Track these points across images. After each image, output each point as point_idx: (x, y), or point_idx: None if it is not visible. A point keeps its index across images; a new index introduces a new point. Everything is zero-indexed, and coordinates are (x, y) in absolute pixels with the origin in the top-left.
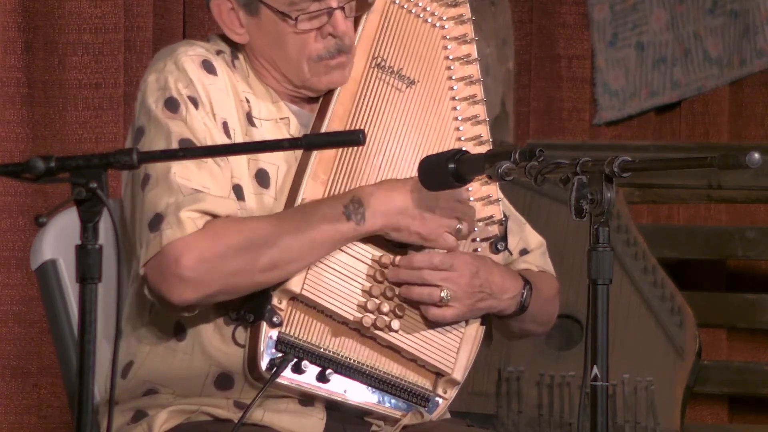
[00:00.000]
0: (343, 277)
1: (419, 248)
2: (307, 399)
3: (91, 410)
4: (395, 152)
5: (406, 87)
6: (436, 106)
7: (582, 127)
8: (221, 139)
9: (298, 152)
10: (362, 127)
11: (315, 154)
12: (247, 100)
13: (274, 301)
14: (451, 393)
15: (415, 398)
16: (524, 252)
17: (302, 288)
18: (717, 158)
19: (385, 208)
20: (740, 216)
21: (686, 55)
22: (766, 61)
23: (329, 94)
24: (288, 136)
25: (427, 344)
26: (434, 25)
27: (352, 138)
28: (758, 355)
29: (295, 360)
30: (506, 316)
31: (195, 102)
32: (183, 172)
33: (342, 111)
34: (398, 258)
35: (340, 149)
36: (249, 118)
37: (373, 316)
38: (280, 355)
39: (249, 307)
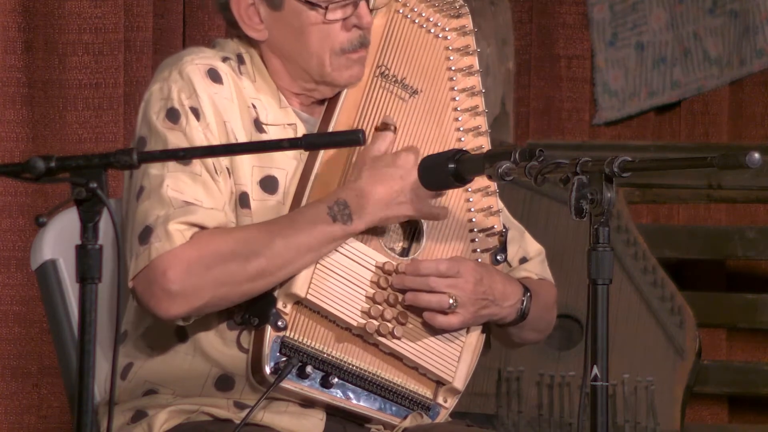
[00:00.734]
0: (347, 283)
1: (422, 255)
2: (308, 402)
3: (91, 410)
4: None
5: (410, 96)
6: (439, 116)
7: (582, 127)
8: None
9: (305, 158)
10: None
11: (319, 160)
12: (254, 106)
13: (279, 305)
14: (452, 402)
15: (416, 406)
16: (524, 260)
17: (307, 292)
18: (717, 158)
19: (371, 204)
20: (740, 216)
21: (686, 55)
22: (766, 61)
23: (333, 101)
24: None
25: (429, 352)
26: (437, 36)
27: (352, 138)
28: (758, 355)
29: (300, 364)
30: (506, 323)
31: (197, 113)
32: (176, 185)
33: (346, 119)
34: (402, 264)
35: (348, 157)
36: (257, 125)
37: (376, 323)
38: (284, 359)
39: (254, 311)
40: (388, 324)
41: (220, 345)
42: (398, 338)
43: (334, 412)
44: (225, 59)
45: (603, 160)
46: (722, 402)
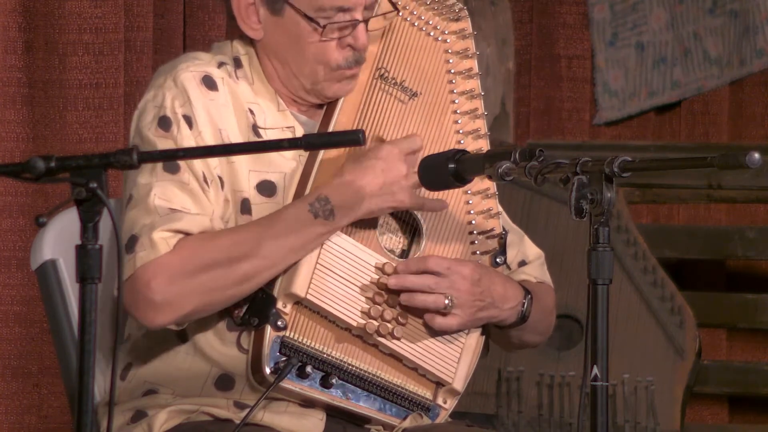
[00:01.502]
0: (347, 283)
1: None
2: (308, 402)
3: (91, 410)
4: None
5: (409, 99)
6: (438, 118)
7: (582, 127)
8: (212, 162)
9: (304, 159)
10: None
11: (318, 163)
12: (252, 111)
13: (279, 305)
14: (451, 403)
15: (416, 407)
16: (523, 263)
17: (307, 292)
18: (717, 158)
19: (352, 197)
20: (740, 216)
21: (686, 55)
22: (766, 61)
23: (333, 104)
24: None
25: (428, 353)
26: (437, 39)
27: (352, 138)
28: (758, 355)
29: (299, 364)
30: (506, 326)
31: (189, 121)
32: (164, 193)
33: (345, 121)
34: (400, 265)
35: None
36: (254, 130)
37: (376, 323)
38: (284, 359)
39: (253, 311)
40: (388, 324)
41: (219, 345)
42: (398, 339)
43: (333, 413)
44: (221, 64)
45: (603, 160)
46: (722, 402)
